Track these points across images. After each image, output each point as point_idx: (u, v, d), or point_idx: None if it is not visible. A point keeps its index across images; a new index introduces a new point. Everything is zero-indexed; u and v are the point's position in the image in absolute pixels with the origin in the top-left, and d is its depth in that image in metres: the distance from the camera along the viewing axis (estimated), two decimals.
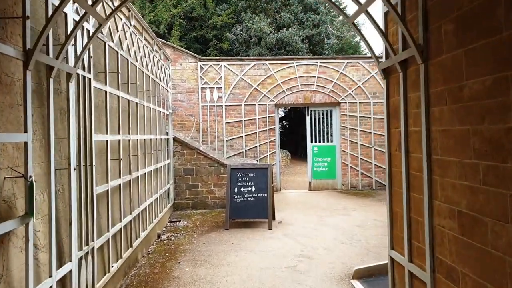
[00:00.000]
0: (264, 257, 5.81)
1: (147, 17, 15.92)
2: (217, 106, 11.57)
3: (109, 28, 4.79)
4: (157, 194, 7.28)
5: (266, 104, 11.69)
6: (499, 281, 2.12)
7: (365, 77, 11.75)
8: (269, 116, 11.70)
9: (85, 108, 3.92)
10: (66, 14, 3.49)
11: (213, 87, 11.57)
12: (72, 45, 3.56)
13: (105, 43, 4.56)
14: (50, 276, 3.04)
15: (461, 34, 2.43)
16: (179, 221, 8.19)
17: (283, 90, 11.72)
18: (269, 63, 11.75)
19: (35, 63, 2.89)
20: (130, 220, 5.41)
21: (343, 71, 11.73)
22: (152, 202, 6.84)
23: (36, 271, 2.95)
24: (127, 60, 5.51)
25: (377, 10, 3.82)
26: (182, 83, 11.55)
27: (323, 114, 12.03)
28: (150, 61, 7.15)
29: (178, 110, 11.40)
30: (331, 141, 12.02)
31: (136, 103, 5.93)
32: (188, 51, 11.81)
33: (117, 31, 5.16)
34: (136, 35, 6.12)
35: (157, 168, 7.38)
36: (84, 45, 3.65)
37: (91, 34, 3.81)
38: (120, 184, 4.99)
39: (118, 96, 5.05)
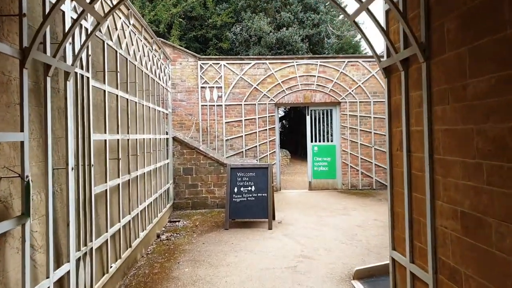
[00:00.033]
0: (264, 257, 5.77)
1: (147, 17, 15.87)
2: (217, 105, 11.53)
3: (108, 26, 4.75)
4: (156, 194, 7.24)
5: (266, 104, 11.65)
6: (503, 283, 2.08)
7: (365, 77, 11.71)
8: (269, 116, 11.67)
9: (83, 107, 3.88)
10: (63, 12, 3.44)
11: (213, 87, 11.53)
12: (70, 43, 3.52)
13: (103, 41, 4.52)
14: (48, 277, 3.00)
15: (465, 31, 2.39)
16: (179, 221, 8.15)
17: (283, 90, 11.68)
18: (269, 63, 11.71)
19: (32, 61, 2.86)
20: (129, 220, 5.37)
21: (343, 70, 11.69)
22: (151, 202, 6.80)
23: (33, 272, 2.91)
24: (126, 59, 5.47)
25: (378, 8, 3.78)
26: (182, 82, 11.51)
27: (323, 114, 11.99)
28: (150, 60, 7.11)
29: (177, 109, 11.36)
30: (331, 141, 11.99)
31: (135, 102, 5.89)
32: (187, 50, 11.77)
33: (116, 29, 5.12)
34: (135, 34, 6.07)
35: (156, 168, 7.35)
36: (82, 43, 3.61)
37: (89, 32, 3.77)
38: (119, 184, 4.95)
39: (117, 95, 5.01)
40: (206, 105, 11.52)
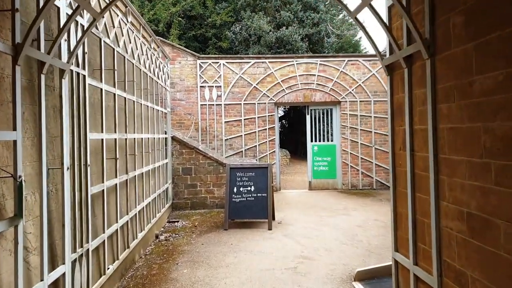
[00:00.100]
0: (264, 258, 5.70)
1: (146, 16, 15.79)
2: (216, 105, 11.46)
3: (105, 24, 4.67)
4: (155, 194, 7.16)
5: (265, 103, 11.57)
6: (511, 286, 2.01)
7: (365, 76, 11.64)
8: (268, 115, 11.59)
9: (80, 106, 3.80)
10: (58, 8, 3.37)
11: (212, 86, 11.46)
12: (66, 40, 3.45)
13: (100, 39, 4.44)
14: (42, 280, 2.93)
15: (471, 27, 2.32)
16: (178, 221, 8.08)
17: (283, 89, 11.61)
18: (269, 62, 11.63)
19: (25, 58, 2.78)
20: (127, 221, 5.29)
21: (343, 69, 11.62)
22: (150, 202, 6.72)
23: (27, 274, 2.83)
24: (124, 57, 5.39)
25: (381, 4, 3.70)
26: (181, 81, 11.43)
27: (323, 113, 11.92)
28: (148, 59, 7.03)
29: (176, 109, 11.28)
30: (331, 140, 11.91)
31: (133, 101, 5.81)
32: (187, 49, 11.69)
33: (114, 27, 5.04)
34: (133, 32, 5.99)
35: (155, 168, 7.27)
36: (78, 40, 3.53)
37: (85, 29, 3.69)
38: (116, 184, 4.87)
39: (115, 94, 4.93)
40: (206, 105, 11.44)
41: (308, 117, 11.82)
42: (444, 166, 2.64)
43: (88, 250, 3.83)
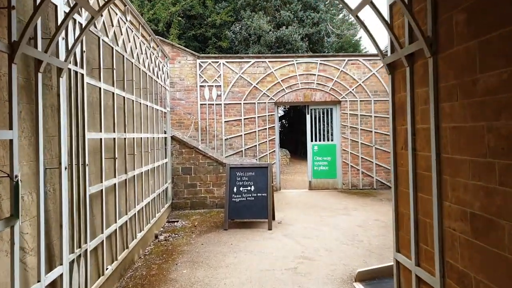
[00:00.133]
0: (264, 258, 5.66)
1: (146, 15, 15.74)
2: (216, 104, 11.42)
3: (104, 22, 4.63)
4: (154, 194, 7.12)
5: (265, 103, 11.53)
6: None
7: (366, 75, 11.60)
8: (268, 115, 11.55)
9: (78, 105, 3.76)
10: (56, 6, 3.33)
11: (212, 85, 11.42)
12: (63, 38, 3.40)
13: (99, 38, 4.40)
14: (39, 281, 2.89)
15: (475, 24, 2.28)
16: (177, 221, 8.04)
17: (283, 88, 11.57)
18: (269, 61, 11.59)
19: (22, 56, 2.74)
20: (126, 221, 5.25)
21: (343, 69, 11.58)
22: (149, 202, 6.69)
23: (24, 275, 2.79)
24: (123, 56, 5.35)
25: (382, 2, 3.66)
26: (181, 81, 11.39)
27: (323, 113, 11.88)
28: (147, 58, 6.99)
29: (176, 108, 11.24)
30: (332, 140, 11.87)
31: (133, 100, 5.77)
32: (186, 49, 11.65)
33: (112, 26, 5.00)
34: (132, 31, 5.95)
35: (154, 167, 7.23)
36: (76, 38, 3.49)
37: (83, 27, 3.65)
38: (115, 184, 4.83)
39: (113, 93, 4.89)
40: (205, 104, 11.40)
41: (308, 117, 11.78)
42: (446, 166, 2.60)
43: (86, 250, 3.79)
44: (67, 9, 3.46)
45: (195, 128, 11.34)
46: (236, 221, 7.70)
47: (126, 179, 5.29)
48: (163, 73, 8.69)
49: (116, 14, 5.18)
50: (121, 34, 5.37)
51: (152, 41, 7.43)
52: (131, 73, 5.76)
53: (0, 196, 2.59)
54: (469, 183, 2.35)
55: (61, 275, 3.24)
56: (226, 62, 11.48)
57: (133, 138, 5.78)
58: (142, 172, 6.24)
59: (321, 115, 11.85)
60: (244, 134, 11.45)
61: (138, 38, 6.32)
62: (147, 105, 6.75)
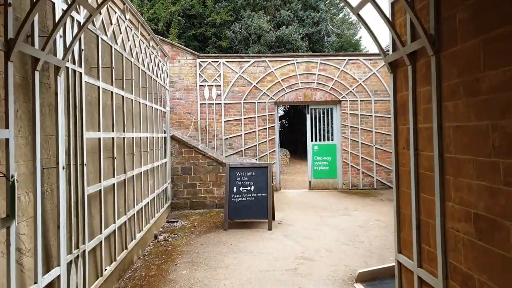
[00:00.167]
0: (264, 259, 5.62)
1: (146, 15, 15.70)
2: (215, 104, 11.38)
3: (103, 21, 4.59)
4: (153, 194, 7.08)
5: (265, 102, 11.49)
6: None
7: (366, 75, 11.56)
8: (268, 114, 11.51)
9: (76, 104, 3.72)
10: (54, 4, 3.29)
11: (212, 85, 11.37)
12: (61, 36, 3.36)
13: (97, 36, 4.36)
14: (36, 283, 2.85)
15: (478, 22, 2.24)
16: (177, 221, 8.00)
17: (283, 88, 11.53)
18: (269, 60, 11.55)
19: (18, 54, 2.71)
20: (125, 221, 5.21)
21: (344, 68, 11.54)
22: (148, 202, 6.64)
23: (20, 277, 2.75)
24: (122, 55, 5.31)
25: (383, 0, 3.62)
26: (180, 80, 11.35)
27: (323, 112, 11.84)
28: (147, 57, 6.94)
29: (176, 108, 11.20)
30: (332, 140, 11.83)
31: (132, 99, 5.73)
32: (186, 48, 11.60)
33: (111, 24, 4.96)
34: (131, 30, 5.91)
35: (153, 167, 7.19)
36: (74, 36, 3.45)
37: (81, 24, 3.61)
38: (114, 184, 4.79)
39: (112, 92, 4.85)
40: (205, 104, 11.36)
41: (308, 117, 11.74)
42: (449, 166, 2.56)
43: (84, 251, 3.75)
44: (65, 7, 3.42)
45: (195, 127, 11.29)
46: (236, 221, 7.65)
47: (125, 179, 5.25)
48: (162, 72, 8.65)
49: (115, 13, 5.14)
50: (120, 33, 5.33)
51: (152, 40, 7.39)
52: (130, 72, 5.72)
53: None
54: (473, 183, 2.31)
55: (59, 276, 3.20)
56: (226, 61, 11.44)
57: (132, 137, 5.74)
58: (141, 172, 6.20)
59: (321, 115, 11.81)
60: (244, 134, 11.41)
61: (138, 36, 6.27)
62: (146, 105, 6.71)
